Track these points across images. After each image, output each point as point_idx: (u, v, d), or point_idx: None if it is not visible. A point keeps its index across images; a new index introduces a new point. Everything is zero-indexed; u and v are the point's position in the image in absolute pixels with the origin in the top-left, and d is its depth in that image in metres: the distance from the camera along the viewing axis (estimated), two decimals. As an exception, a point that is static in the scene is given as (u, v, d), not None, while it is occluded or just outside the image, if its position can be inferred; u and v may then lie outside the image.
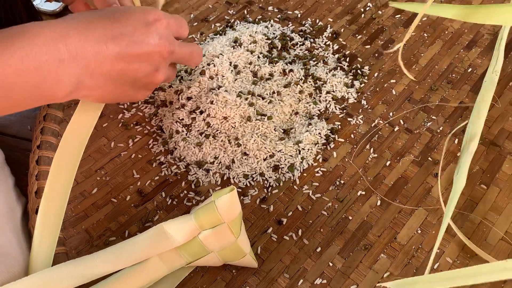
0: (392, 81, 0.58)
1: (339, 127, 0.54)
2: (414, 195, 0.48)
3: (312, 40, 0.62)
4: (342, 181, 0.49)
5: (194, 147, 0.51)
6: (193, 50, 0.46)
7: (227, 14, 0.66)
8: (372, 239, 0.45)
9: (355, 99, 0.56)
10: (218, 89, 0.53)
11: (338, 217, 0.47)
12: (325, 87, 0.57)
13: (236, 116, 0.52)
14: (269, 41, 0.60)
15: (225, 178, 0.50)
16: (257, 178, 0.50)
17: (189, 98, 0.54)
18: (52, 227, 0.42)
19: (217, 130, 0.52)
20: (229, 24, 0.64)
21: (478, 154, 0.50)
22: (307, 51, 0.61)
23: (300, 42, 0.62)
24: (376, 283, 0.42)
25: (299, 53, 0.61)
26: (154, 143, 0.53)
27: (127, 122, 0.54)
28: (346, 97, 0.56)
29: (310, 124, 0.53)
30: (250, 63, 0.57)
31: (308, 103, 0.56)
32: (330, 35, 0.63)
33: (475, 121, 0.51)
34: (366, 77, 0.58)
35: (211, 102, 0.52)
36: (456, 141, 0.52)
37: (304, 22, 0.64)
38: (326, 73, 0.58)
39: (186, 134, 0.52)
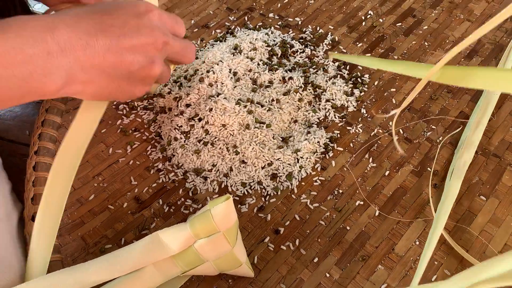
0: (392, 90, 0.57)
1: (338, 135, 0.53)
2: (412, 205, 0.48)
3: (312, 47, 0.62)
4: (340, 191, 0.49)
5: (192, 155, 0.51)
6: (186, 45, 0.44)
7: (227, 21, 0.66)
8: (370, 250, 0.45)
9: (355, 107, 0.56)
10: (217, 96, 0.53)
11: (336, 227, 0.47)
12: (324, 95, 0.57)
13: (235, 124, 0.52)
14: (269, 48, 0.60)
15: (222, 186, 0.50)
16: (255, 187, 0.50)
17: (188, 105, 0.53)
18: (49, 235, 0.42)
19: (215, 138, 0.52)
20: (229, 31, 0.64)
21: (478, 165, 0.50)
22: (307, 59, 0.61)
23: (300, 49, 0.62)
24: (373, 294, 0.42)
25: (299, 60, 0.61)
26: (152, 150, 0.53)
27: (126, 128, 0.54)
28: (346, 105, 0.56)
29: (309, 132, 0.53)
30: (250, 70, 0.57)
31: (307, 111, 0.55)
32: (330, 42, 0.63)
33: (474, 128, 0.51)
34: (366, 86, 0.58)
35: (210, 110, 0.52)
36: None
37: (304, 29, 0.64)
38: (326, 81, 0.58)
39: (185, 141, 0.52)
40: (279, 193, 0.49)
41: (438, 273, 0.43)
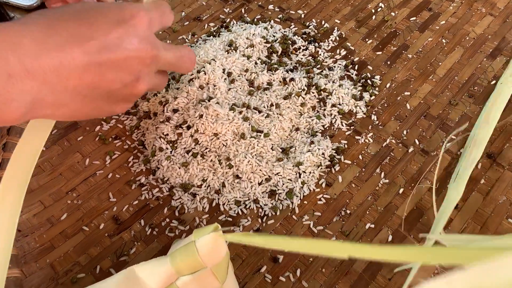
0: (406, 93, 0.51)
1: (346, 146, 0.47)
2: (431, 229, 0.42)
3: (316, 44, 0.55)
4: (348, 211, 0.43)
5: (179, 168, 0.45)
6: (183, 55, 0.39)
7: (222, 13, 0.59)
8: (382, 283, 0.39)
9: (364, 113, 0.49)
10: (209, 101, 0.46)
11: (343, 254, 0.41)
12: (330, 99, 0.50)
13: (228, 133, 0.45)
14: (268, 45, 0.54)
15: (214, 204, 0.44)
16: (250, 206, 0.44)
17: (175, 111, 0.47)
18: None
19: (206, 149, 0.45)
20: (224, 24, 0.58)
21: (505, 182, 0.44)
22: (310, 57, 0.54)
23: (303, 46, 0.55)
24: (386, 337, 0.36)
25: (301, 59, 0.54)
26: (134, 161, 0.47)
27: (105, 136, 0.48)
28: (354, 111, 0.50)
29: (312, 142, 0.47)
30: (246, 70, 0.51)
31: (310, 117, 0.49)
32: (337, 38, 0.56)
33: (483, 126, 0.44)
34: (377, 88, 0.51)
35: (200, 116, 0.45)
36: (479, 165, 0.45)
37: (308, 23, 0.58)
38: (332, 83, 0.51)
39: (171, 152, 0.46)
40: (278, 213, 0.43)
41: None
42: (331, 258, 0.40)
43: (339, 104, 0.50)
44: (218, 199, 0.44)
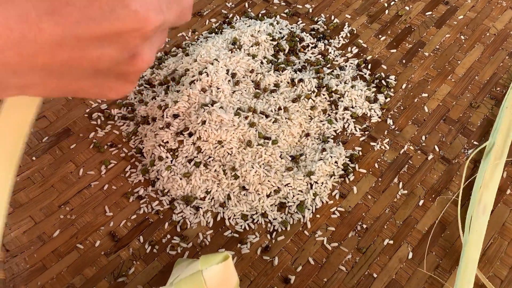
0: (423, 95, 0.47)
1: (360, 153, 0.44)
2: (454, 245, 0.39)
3: (326, 41, 0.52)
4: (364, 226, 0.40)
5: (180, 179, 0.41)
6: (184, 7, 0.30)
7: (224, 7, 0.55)
8: (403, 305, 0.36)
9: (379, 117, 0.46)
10: (212, 105, 0.43)
11: (360, 274, 0.37)
12: (342, 101, 0.47)
13: (234, 140, 0.42)
14: (275, 43, 0.50)
15: (218, 218, 0.40)
16: (258, 220, 0.40)
17: (175, 116, 0.43)
18: None
19: (209, 158, 0.42)
20: (226, 20, 0.54)
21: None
22: (320, 55, 0.51)
23: (312, 43, 0.51)
24: None
25: (310, 57, 0.50)
26: (132, 171, 0.43)
27: (100, 143, 0.44)
28: (368, 114, 0.46)
29: (324, 149, 0.43)
30: (252, 71, 0.47)
31: (321, 121, 0.46)
32: (347, 35, 0.52)
33: (492, 166, 0.40)
34: (392, 90, 0.48)
35: (203, 122, 0.42)
36: (505, 174, 0.42)
37: (316, 18, 0.54)
38: (344, 83, 0.48)
39: (171, 161, 0.42)
40: (288, 228, 0.40)
41: None
42: (347, 278, 0.37)
43: (352, 107, 0.47)
44: (223, 212, 0.41)
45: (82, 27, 0.23)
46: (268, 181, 0.41)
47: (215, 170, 0.41)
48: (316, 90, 0.46)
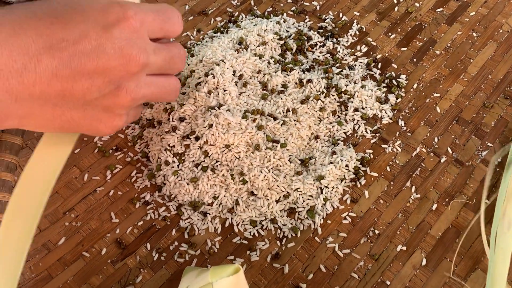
0: (435, 94, 0.46)
1: (371, 156, 0.43)
2: (469, 251, 0.38)
3: (334, 40, 0.50)
4: (376, 231, 0.39)
5: (187, 184, 0.40)
6: (173, 55, 0.33)
7: (229, 5, 0.54)
8: (418, 314, 0.35)
9: (390, 118, 0.45)
10: (219, 108, 0.42)
11: (373, 281, 0.37)
12: (352, 102, 0.45)
13: (241, 144, 0.41)
14: (282, 42, 0.49)
15: (227, 224, 0.40)
16: (267, 226, 0.39)
17: (181, 119, 0.42)
18: None
19: (217, 162, 0.41)
20: (232, 19, 0.52)
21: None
22: (328, 55, 0.49)
23: (320, 42, 0.50)
24: None
25: (318, 56, 0.49)
26: (138, 176, 0.42)
27: (105, 148, 0.44)
28: (379, 116, 0.45)
29: (334, 152, 0.42)
30: (259, 72, 0.46)
31: (331, 123, 0.44)
32: (356, 33, 0.51)
33: None
34: (403, 90, 0.47)
35: (210, 126, 0.41)
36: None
37: (324, 16, 0.52)
38: (354, 83, 0.47)
39: (178, 166, 0.41)
40: (298, 234, 0.39)
41: None
42: (360, 285, 0.36)
43: (362, 108, 0.45)
44: (232, 218, 0.40)
45: (74, 60, 0.27)
46: (277, 186, 0.40)
47: (223, 175, 0.40)
48: (325, 91, 0.45)
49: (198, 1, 0.54)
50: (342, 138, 0.44)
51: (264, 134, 0.42)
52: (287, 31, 0.50)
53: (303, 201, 0.40)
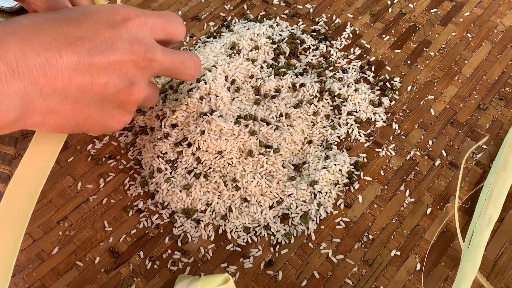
0: (429, 97, 0.46)
1: (365, 160, 0.42)
2: (464, 256, 0.37)
3: (328, 43, 0.50)
4: (370, 236, 0.39)
5: (180, 191, 0.40)
6: (183, 60, 0.35)
7: (222, 10, 0.54)
8: (412, 320, 0.35)
9: (384, 122, 0.44)
10: (211, 114, 0.41)
11: (367, 287, 0.36)
12: (345, 105, 0.45)
13: (234, 150, 0.41)
14: (275, 46, 0.49)
15: (220, 231, 0.39)
16: (261, 233, 0.39)
17: (174, 126, 0.42)
18: None
19: (209, 168, 0.41)
20: (225, 24, 0.52)
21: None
22: (322, 58, 0.49)
23: (313, 45, 0.50)
24: None
25: (312, 60, 0.49)
26: (131, 183, 0.42)
27: (98, 155, 0.43)
28: (373, 119, 0.45)
29: (327, 157, 0.42)
30: (251, 77, 0.46)
31: (324, 127, 0.44)
32: (350, 35, 0.51)
33: (500, 175, 0.38)
34: (396, 92, 0.46)
35: (202, 132, 0.41)
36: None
37: (317, 19, 0.52)
38: (347, 87, 0.46)
39: (171, 173, 0.41)
40: (292, 240, 0.39)
41: None
42: (354, 292, 0.36)
43: (356, 112, 0.45)
44: (225, 225, 0.40)
45: (92, 56, 0.29)
46: (270, 192, 0.40)
47: (216, 182, 0.40)
48: (318, 95, 0.45)
49: (190, 6, 0.54)
50: (336, 142, 0.43)
51: (257, 139, 0.42)
52: (280, 35, 0.50)
53: (297, 206, 0.40)
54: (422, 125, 0.44)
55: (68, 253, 0.39)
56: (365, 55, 0.49)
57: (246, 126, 0.42)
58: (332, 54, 0.49)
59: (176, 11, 0.54)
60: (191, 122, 0.42)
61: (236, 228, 0.39)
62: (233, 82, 0.45)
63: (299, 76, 0.47)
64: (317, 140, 0.44)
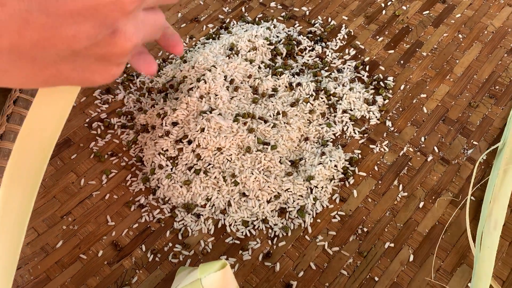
0: (422, 95, 0.47)
1: (359, 156, 0.44)
2: (455, 247, 0.39)
3: (323, 44, 0.52)
4: (365, 229, 0.40)
5: (181, 186, 0.42)
6: None
7: (221, 12, 0.55)
8: (405, 308, 0.36)
9: (378, 119, 0.46)
10: (210, 112, 0.43)
11: (362, 277, 0.38)
12: (340, 104, 0.47)
13: (233, 147, 0.42)
14: (272, 47, 0.50)
15: (219, 225, 0.41)
16: (259, 226, 0.40)
17: (174, 124, 0.44)
18: None
19: (209, 165, 0.42)
20: (223, 25, 0.54)
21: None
22: (317, 58, 0.51)
23: (309, 46, 0.51)
24: None
25: (308, 60, 0.50)
26: (133, 179, 0.43)
27: (101, 153, 0.45)
28: (367, 117, 0.46)
29: (323, 153, 0.43)
30: (249, 76, 0.47)
31: (320, 125, 0.46)
32: (345, 37, 0.52)
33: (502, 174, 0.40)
34: (390, 91, 0.48)
35: (202, 130, 0.42)
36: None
37: (313, 21, 0.54)
38: (342, 86, 0.48)
39: (171, 169, 0.42)
40: (289, 233, 0.40)
41: None
42: (349, 282, 0.37)
43: (351, 110, 0.47)
44: (224, 219, 0.41)
45: (51, 1, 0.21)
46: (268, 186, 0.41)
47: (215, 177, 0.42)
48: (314, 94, 0.46)
49: (190, 8, 0.56)
50: (331, 139, 0.45)
51: (255, 136, 0.43)
52: (277, 36, 0.52)
53: (294, 201, 0.41)
54: (414, 122, 0.46)
55: (72, 247, 0.40)
56: (359, 56, 0.51)
57: (245, 124, 0.43)
58: (328, 55, 0.51)
59: (176, 13, 0.55)
60: (191, 120, 0.43)
61: (235, 222, 0.41)
62: (232, 81, 0.46)
63: (295, 76, 0.48)
64: (313, 137, 0.45)
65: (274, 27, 0.53)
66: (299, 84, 0.47)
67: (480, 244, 0.37)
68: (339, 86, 0.48)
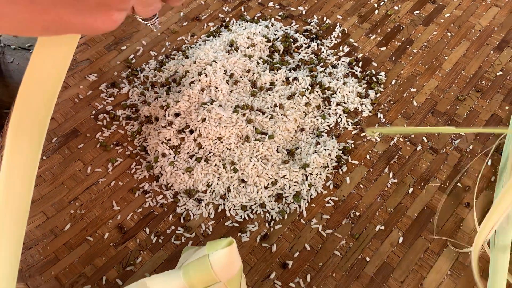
0: (412, 89, 0.50)
1: (352, 146, 0.46)
2: (442, 230, 0.41)
3: (319, 41, 0.54)
4: (357, 213, 0.42)
5: (183, 173, 0.44)
6: None
7: (221, 12, 0.58)
8: (394, 286, 0.38)
9: (370, 112, 0.48)
10: (211, 103, 0.45)
11: (353, 258, 0.40)
12: (335, 97, 0.49)
13: (232, 136, 0.44)
14: (270, 44, 0.53)
15: (219, 210, 0.43)
16: (257, 210, 0.43)
17: (177, 115, 0.46)
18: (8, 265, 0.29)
19: (210, 153, 0.44)
20: (224, 24, 0.56)
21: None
22: (313, 55, 0.53)
23: (305, 44, 0.54)
24: None
25: (304, 57, 0.53)
26: (137, 167, 0.46)
27: (106, 142, 0.47)
28: (360, 109, 0.49)
29: (318, 143, 0.46)
30: (248, 71, 0.50)
31: (315, 117, 0.48)
32: (339, 35, 0.55)
33: None
34: (382, 85, 0.50)
35: (203, 120, 0.44)
36: (489, 162, 0.44)
37: (309, 20, 0.56)
38: (337, 80, 0.50)
39: (174, 157, 0.45)
40: (285, 217, 0.42)
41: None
42: (342, 262, 0.39)
43: (344, 103, 0.49)
44: (224, 204, 0.43)
45: None
46: (266, 173, 0.44)
47: (215, 165, 0.44)
48: (309, 88, 0.49)
49: (192, 8, 0.58)
50: (326, 130, 0.47)
51: (253, 127, 0.45)
52: (275, 34, 0.54)
53: (290, 187, 0.43)
54: (405, 114, 0.48)
55: (79, 229, 0.42)
56: (353, 52, 0.53)
57: (244, 115, 0.46)
58: (323, 52, 0.53)
59: (178, 12, 0.58)
60: (192, 111, 0.46)
61: (234, 206, 0.43)
62: (231, 75, 0.48)
63: (292, 71, 0.51)
64: (309, 128, 0.47)
65: (272, 25, 0.55)
66: (295, 78, 0.49)
67: (494, 241, 0.38)
68: (333, 80, 0.50)
